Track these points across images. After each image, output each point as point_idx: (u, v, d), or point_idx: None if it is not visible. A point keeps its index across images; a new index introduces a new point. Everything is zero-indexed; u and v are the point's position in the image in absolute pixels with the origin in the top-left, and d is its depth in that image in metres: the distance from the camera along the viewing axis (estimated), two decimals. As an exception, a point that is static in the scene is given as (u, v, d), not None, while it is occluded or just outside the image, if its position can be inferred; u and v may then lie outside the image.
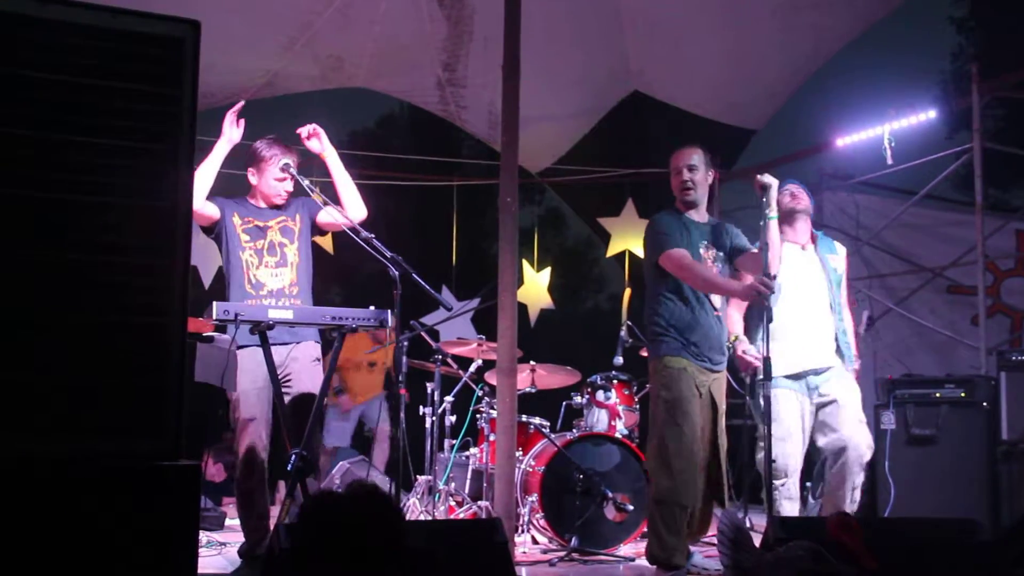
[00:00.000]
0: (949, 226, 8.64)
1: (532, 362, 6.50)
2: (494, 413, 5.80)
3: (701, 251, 4.74)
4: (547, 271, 10.29)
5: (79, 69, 2.15)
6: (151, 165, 2.19)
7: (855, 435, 4.78)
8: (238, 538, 5.00)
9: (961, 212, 8.70)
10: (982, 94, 7.48)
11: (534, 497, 5.74)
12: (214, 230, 4.60)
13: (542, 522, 5.73)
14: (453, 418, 6.32)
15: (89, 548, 2.03)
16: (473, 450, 6.46)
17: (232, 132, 4.58)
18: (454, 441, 6.34)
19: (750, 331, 5.01)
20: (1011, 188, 17.15)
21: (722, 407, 4.76)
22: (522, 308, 9.52)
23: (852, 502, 4.79)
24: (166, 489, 2.10)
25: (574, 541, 5.53)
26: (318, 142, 4.68)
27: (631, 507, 5.68)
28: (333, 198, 4.69)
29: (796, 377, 4.87)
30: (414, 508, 6.03)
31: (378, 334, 7.06)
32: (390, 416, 8.07)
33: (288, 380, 4.47)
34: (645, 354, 5.04)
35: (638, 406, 6.46)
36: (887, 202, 8.87)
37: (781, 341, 4.79)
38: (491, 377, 6.21)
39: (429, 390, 6.32)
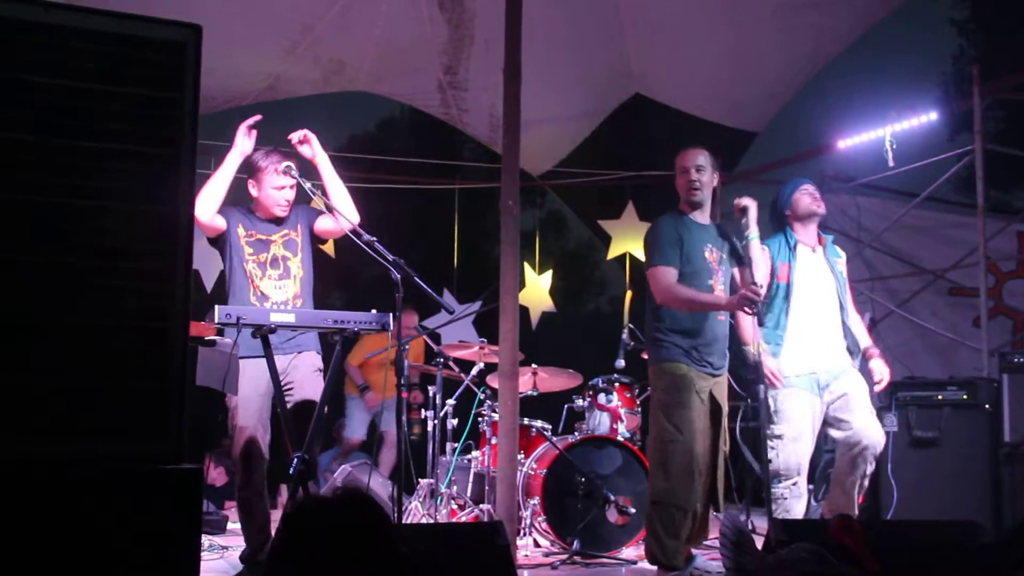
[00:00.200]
0: (950, 228, 8.63)
1: (534, 365, 6.50)
2: (496, 416, 5.80)
3: (705, 254, 4.74)
4: (548, 274, 10.29)
5: (81, 73, 2.15)
6: (153, 169, 2.19)
7: (867, 426, 4.82)
8: (240, 542, 5.00)
9: (962, 214, 8.69)
10: (983, 96, 7.48)
11: (536, 500, 5.73)
12: (219, 240, 4.60)
13: (544, 525, 5.72)
14: (455, 421, 6.32)
15: (91, 551, 2.03)
16: (475, 453, 6.46)
17: (244, 143, 4.54)
18: (456, 444, 6.34)
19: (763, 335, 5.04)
20: (1012, 190, 17.14)
21: (724, 409, 4.77)
22: (524, 311, 9.53)
23: (861, 489, 4.87)
24: (168, 492, 2.11)
25: (576, 544, 5.53)
26: (309, 148, 4.63)
27: (633, 510, 5.67)
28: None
29: (808, 377, 4.91)
30: (416, 511, 6.03)
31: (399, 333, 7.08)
32: (397, 419, 8.07)
33: (290, 388, 4.46)
34: (647, 356, 5.04)
35: (640, 409, 6.46)
36: (888, 204, 8.87)
37: (793, 341, 4.90)
38: (493, 380, 6.21)
39: (431, 393, 6.32)
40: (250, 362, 4.38)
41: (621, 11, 7.66)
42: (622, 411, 6.31)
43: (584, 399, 6.44)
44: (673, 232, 4.72)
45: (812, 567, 3.05)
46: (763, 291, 4.62)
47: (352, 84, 8.45)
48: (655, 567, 4.67)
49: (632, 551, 5.72)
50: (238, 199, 4.75)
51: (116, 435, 2.10)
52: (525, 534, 5.79)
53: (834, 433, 4.94)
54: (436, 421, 6.19)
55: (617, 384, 6.41)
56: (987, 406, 5.94)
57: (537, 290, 10.14)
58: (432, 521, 5.80)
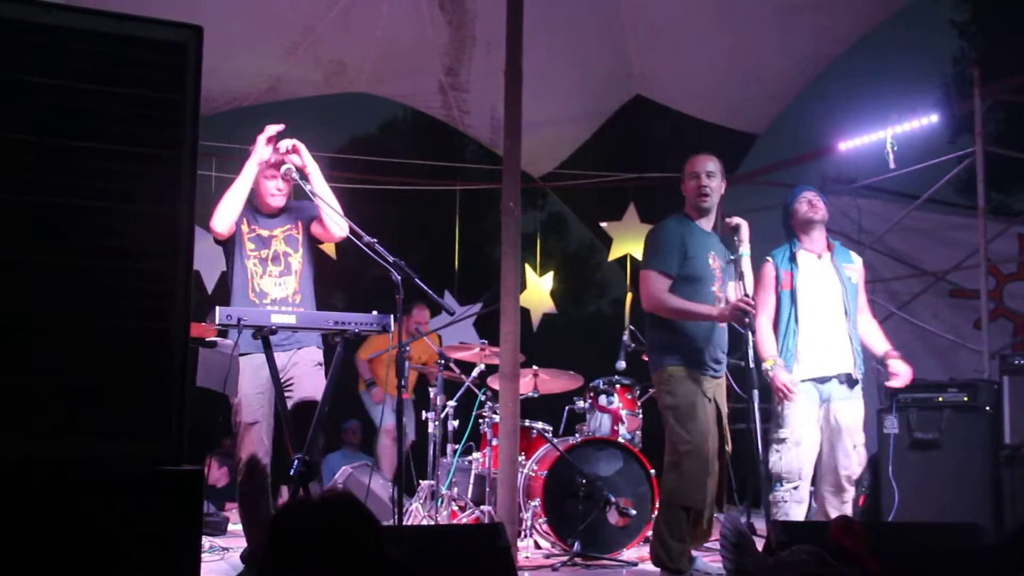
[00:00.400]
0: (951, 230, 8.63)
1: (535, 366, 6.50)
2: (496, 418, 5.81)
3: (709, 260, 4.73)
4: (549, 275, 10.29)
5: (81, 74, 2.15)
6: (153, 170, 2.19)
7: (844, 460, 4.94)
8: (241, 543, 5.00)
9: (963, 216, 8.68)
10: (984, 98, 7.48)
11: (537, 502, 5.73)
12: (227, 240, 4.59)
13: (545, 527, 5.72)
14: (456, 423, 6.32)
15: (91, 552, 2.03)
16: (476, 455, 6.46)
17: (264, 152, 4.51)
18: (457, 446, 6.34)
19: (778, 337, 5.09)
20: (1013, 192, 17.14)
21: (724, 411, 4.77)
22: (524, 312, 9.52)
23: (843, 502, 4.97)
24: (168, 494, 2.11)
25: (577, 546, 5.53)
26: (299, 157, 4.57)
27: (634, 511, 5.67)
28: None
29: (811, 383, 4.96)
30: (417, 513, 6.03)
31: (410, 329, 7.05)
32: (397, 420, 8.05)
33: (290, 385, 4.46)
34: (647, 358, 5.04)
35: (641, 410, 6.46)
36: (889, 206, 8.87)
37: (803, 350, 4.97)
38: (493, 382, 6.21)
39: (432, 395, 6.32)
40: (251, 358, 4.39)
41: (622, 13, 7.66)
42: (623, 413, 6.31)
43: (585, 401, 6.44)
44: (677, 236, 4.70)
45: (812, 569, 3.05)
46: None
47: (353, 85, 8.46)
48: (658, 569, 4.66)
49: (633, 552, 5.72)
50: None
51: (116, 436, 2.10)
52: (526, 536, 5.80)
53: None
54: (437, 422, 6.19)
55: (618, 386, 6.41)
56: (988, 408, 5.94)
57: (538, 292, 10.14)
58: (433, 523, 5.80)
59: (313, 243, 4.73)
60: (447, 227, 10.66)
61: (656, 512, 4.74)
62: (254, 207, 4.66)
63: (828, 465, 4.97)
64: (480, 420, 6.45)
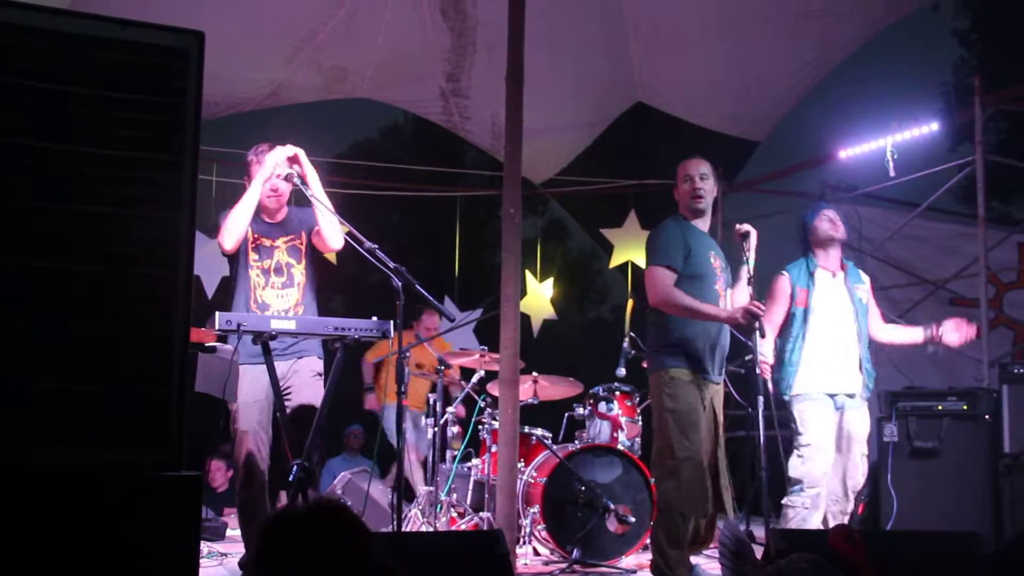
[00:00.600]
0: (951, 238, 8.64)
1: (534, 373, 6.49)
2: (496, 424, 5.80)
3: (710, 259, 4.73)
4: (550, 282, 10.28)
5: (84, 79, 2.16)
6: (155, 175, 2.20)
7: (855, 467, 5.05)
8: (239, 549, 4.99)
9: (963, 224, 8.69)
10: (984, 107, 7.49)
11: (536, 509, 5.73)
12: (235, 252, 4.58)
13: (544, 534, 5.72)
14: (455, 429, 6.32)
15: (89, 557, 2.03)
16: (475, 461, 6.45)
17: (270, 170, 4.49)
18: (456, 452, 6.34)
19: (783, 351, 5.15)
20: (1013, 200, 17.15)
21: (720, 419, 4.76)
22: (525, 319, 9.52)
23: (844, 512, 5.06)
24: (167, 499, 2.10)
25: (576, 553, 5.52)
26: (299, 167, 4.54)
27: (633, 519, 5.66)
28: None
29: (826, 394, 5.05)
30: (416, 519, 6.03)
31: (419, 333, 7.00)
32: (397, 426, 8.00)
33: (288, 393, 4.46)
34: (647, 365, 5.04)
35: (640, 417, 6.45)
36: (890, 214, 8.87)
37: (810, 364, 5.05)
38: (493, 388, 6.21)
39: (431, 401, 6.32)
40: (251, 367, 4.39)
41: (624, 20, 7.67)
42: (623, 420, 6.30)
43: (585, 407, 6.43)
44: (678, 235, 4.69)
45: (812, 577, 3.04)
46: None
47: (355, 91, 8.47)
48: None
49: (632, 560, 5.71)
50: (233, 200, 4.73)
51: (116, 441, 2.10)
52: (525, 542, 5.79)
53: None
54: (436, 429, 6.18)
55: (618, 393, 6.41)
56: (987, 416, 5.93)
57: (538, 298, 10.13)
58: (432, 529, 5.80)
59: (315, 254, 4.72)
60: (447, 233, 10.67)
61: (654, 520, 4.71)
62: (256, 211, 4.64)
63: (836, 473, 5.01)
64: (479, 426, 6.45)
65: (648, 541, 5.19)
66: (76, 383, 2.09)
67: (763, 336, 4.62)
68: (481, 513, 5.96)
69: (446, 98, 8.49)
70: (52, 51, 2.13)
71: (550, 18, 6.69)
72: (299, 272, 4.61)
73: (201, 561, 3.46)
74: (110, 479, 2.07)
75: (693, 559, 4.77)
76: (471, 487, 6.36)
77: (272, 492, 4.56)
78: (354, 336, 4.14)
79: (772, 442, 4.89)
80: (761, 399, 4.63)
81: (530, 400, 6.49)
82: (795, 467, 4.94)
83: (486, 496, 5.98)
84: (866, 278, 5.40)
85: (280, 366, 4.41)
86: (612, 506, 5.66)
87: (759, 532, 6.22)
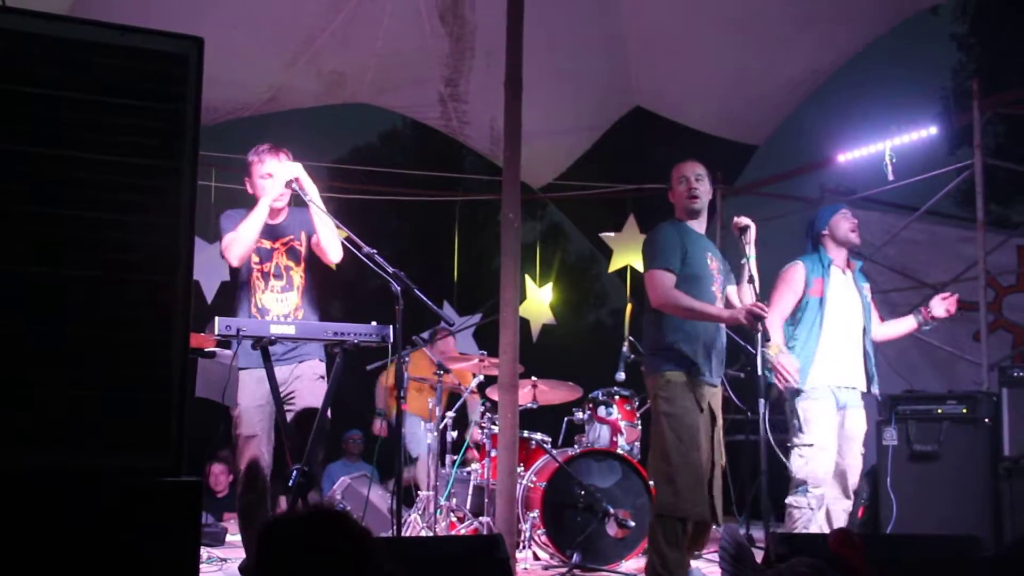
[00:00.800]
0: (950, 242, 8.64)
1: (534, 377, 6.50)
2: (495, 429, 5.80)
3: (707, 260, 4.73)
4: (549, 286, 10.28)
5: (82, 85, 2.16)
6: (154, 181, 2.20)
7: (853, 466, 5.08)
8: (239, 554, 4.99)
9: (962, 228, 8.69)
10: (983, 110, 7.49)
11: (535, 513, 5.72)
12: None
13: (543, 538, 5.71)
14: (455, 434, 6.32)
15: (88, 564, 2.03)
16: (474, 466, 6.45)
17: (277, 191, 4.48)
18: (455, 457, 6.34)
19: (793, 339, 5.15)
20: (1012, 204, 17.17)
21: (719, 421, 4.76)
22: (524, 323, 9.52)
23: (845, 510, 5.08)
24: (167, 505, 2.10)
25: (576, 557, 5.52)
26: (299, 185, 4.50)
27: (633, 523, 5.66)
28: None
29: (830, 389, 5.04)
30: (415, 524, 6.02)
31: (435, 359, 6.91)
32: (396, 432, 7.94)
33: (291, 397, 4.45)
34: (644, 368, 5.04)
35: (640, 422, 6.45)
36: (888, 218, 8.87)
37: (824, 356, 5.05)
38: (492, 392, 6.21)
39: (431, 405, 6.32)
40: (252, 373, 4.38)
41: (622, 24, 7.69)
42: (622, 424, 6.30)
43: (584, 412, 6.43)
44: (675, 237, 4.69)
45: (811, 581, 3.04)
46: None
47: (353, 96, 8.48)
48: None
49: (632, 564, 5.71)
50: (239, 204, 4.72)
51: (115, 447, 2.11)
52: (524, 547, 5.78)
53: None
54: (435, 433, 6.18)
55: (617, 397, 6.41)
56: (987, 420, 5.94)
57: (538, 303, 10.13)
58: (431, 534, 5.79)
59: (314, 257, 4.71)
60: (446, 237, 10.68)
61: (651, 523, 4.71)
62: None
63: (837, 471, 5.03)
64: (479, 430, 6.45)
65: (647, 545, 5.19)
66: (75, 388, 2.09)
67: (767, 340, 4.63)
68: (481, 517, 5.95)
69: (445, 103, 8.50)
70: (51, 57, 2.13)
71: (549, 23, 6.71)
72: (298, 275, 4.60)
73: (200, 566, 3.47)
74: (109, 484, 2.07)
75: (691, 562, 4.77)
76: (471, 491, 6.36)
77: (272, 497, 4.55)
78: (353, 341, 4.14)
79: (771, 445, 4.89)
80: (763, 401, 4.62)
81: (529, 404, 6.49)
82: (799, 467, 4.95)
83: (486, 500, 5.97)
84: (867, 280, 5.43)
85: (282, 370, 4.40)
86: (612, 510, 5.65)
87: (759, 535, 6.22)
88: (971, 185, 7.69)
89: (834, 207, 5.38)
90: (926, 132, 7.81)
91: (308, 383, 4.52)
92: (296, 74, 7.82)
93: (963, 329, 8.40)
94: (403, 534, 5.12)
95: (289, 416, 4.33)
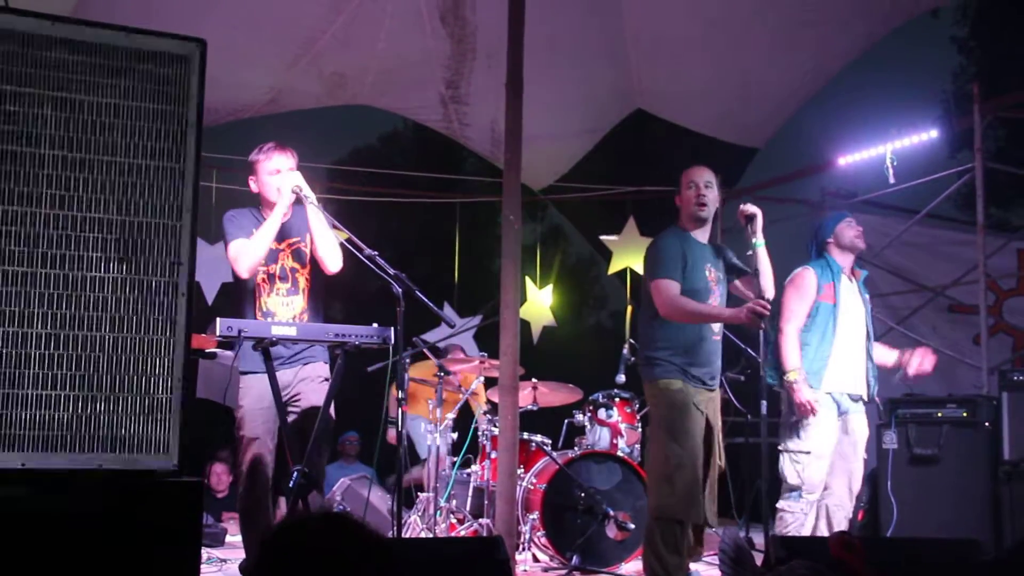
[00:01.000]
0: (951, 245, 8.64)
1: (534, 379, 6.50)
2: (495, 430, 5.80)
3: (706, 273, 4.72)
4: (549, 288, 10.28)
5: (87, 86, 2.16)
6: (157, 182, 2.20)
7: (857, 469, 5.12)
8: (239, 554, 4.99)
9: (963, 231, 8.69)
10: (983, 114, 7.49)
11: (535, 515, 5.73)
12: None
13: (543, 540, 5.72)
14: (455, 435, 6.32)
15: (90, 562, 2.03)
16: (474, 467, 6.45)
17: (286, 203, 4.46)
18: (455, 458, 6.34)
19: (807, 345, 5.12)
20: (1012, 207, 17.16)
21: (717, 426, 4.76)
22: (524, 325, 9.51)
23: (847, 515, 5.11)
24: (168, 505, 2.11)
25: (575, 559, 5.52)
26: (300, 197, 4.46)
27: (632, 525, 5.66)
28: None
29: (832, 396, 5.04)
30: (415, 525, 6.02)
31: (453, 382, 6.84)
32: (397, 434, 7.90)
33: (296, 399, 4.43)
34: (642, 374, 5.04)
35: (640, 424, 6.45)
36: (889, 221, 8.87)
37: (837, 361, 5.06)
38: (493, 394, 6.20)
39: (430, 407, 6.32)
40: (256, 376, 4.35)
41: (624, 27, 7.68)
42: (622, 426, 6.30)
43: (584, 414, 6.43)
44: (677, 247, 4.69)
45: (811, 584, 3.04)
46: (770, 302, 4.62)
47: (354, 98, 8.48)
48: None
49: (631, 566, 5.71)
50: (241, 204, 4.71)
51: (119, 448, 2.11)
52: (524, 549, 5.79)
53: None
54: (436, 435, 6.18)
55: (617, 399, 6.41)
56: (987, 424, 5.94)
57: (538, 305, 10.13)
58: (431, 535, 5.79)
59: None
60: (447, 239, 10.66)
61: (647, 526, 4.70)
62: (261, 210, 4.59)
63: (841, 475, 5.03)
64: (479, 432, 6.44)
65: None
66: (77, 390, 2.09)
67: (768, 340, 4.63)
68: (480, 519, 5.95)
69: (445, 105, 8.50)
70: (55, 58, 2.14)
71: (550, 24, 6.70)
72: (303, 278, 4.57)
73: (201, 567, 3.47)
74: (111, 485, 2.07)
75: (692, 566, 4.78)
76: (470, 493, 6.36)
77: (273, 498, 4.55)
78: (355, 343, 4.13)
79: (772, 448, 4.90)
80: (764, 403, 4.62)
81: (530, 406, 6.49)
82: (793, 473, 4.96)
83: (485, 502, 5.97)
84: (867, 291, 5.43)
85: (286, 373, 4.39)
86: (611, 512, 5.65)
87: (759, 539, 6.22)
88: (971, 188, 7.68)
89: (839, 215, 5.40)
90: (927, 135, 7.81)
91: (313, 385, 4.50)
92: (297, 75, 7.82)
93: (963, 332, 8.41)
94: (403, 535, 5.12)
95: (294, 418, 4.33)
